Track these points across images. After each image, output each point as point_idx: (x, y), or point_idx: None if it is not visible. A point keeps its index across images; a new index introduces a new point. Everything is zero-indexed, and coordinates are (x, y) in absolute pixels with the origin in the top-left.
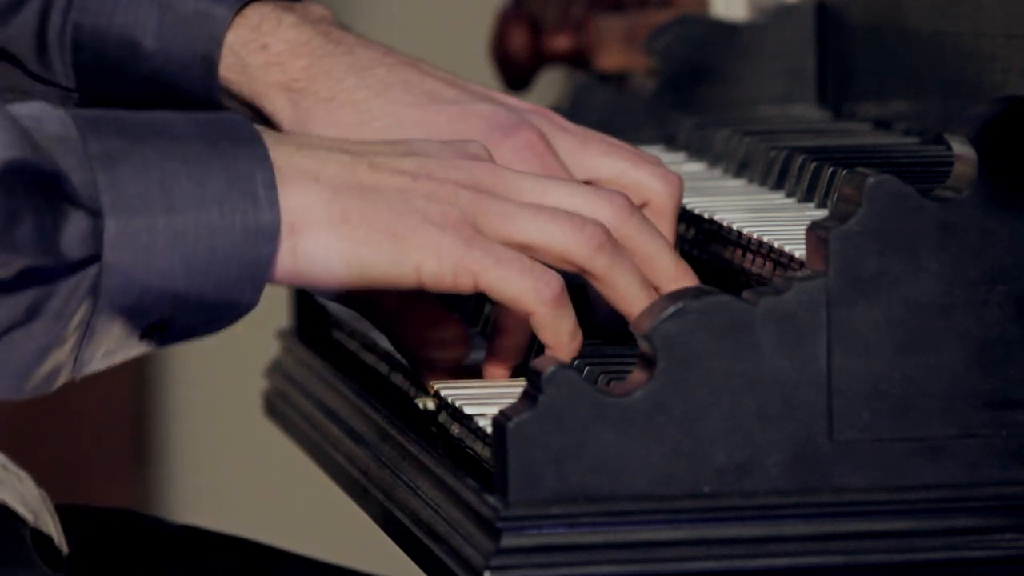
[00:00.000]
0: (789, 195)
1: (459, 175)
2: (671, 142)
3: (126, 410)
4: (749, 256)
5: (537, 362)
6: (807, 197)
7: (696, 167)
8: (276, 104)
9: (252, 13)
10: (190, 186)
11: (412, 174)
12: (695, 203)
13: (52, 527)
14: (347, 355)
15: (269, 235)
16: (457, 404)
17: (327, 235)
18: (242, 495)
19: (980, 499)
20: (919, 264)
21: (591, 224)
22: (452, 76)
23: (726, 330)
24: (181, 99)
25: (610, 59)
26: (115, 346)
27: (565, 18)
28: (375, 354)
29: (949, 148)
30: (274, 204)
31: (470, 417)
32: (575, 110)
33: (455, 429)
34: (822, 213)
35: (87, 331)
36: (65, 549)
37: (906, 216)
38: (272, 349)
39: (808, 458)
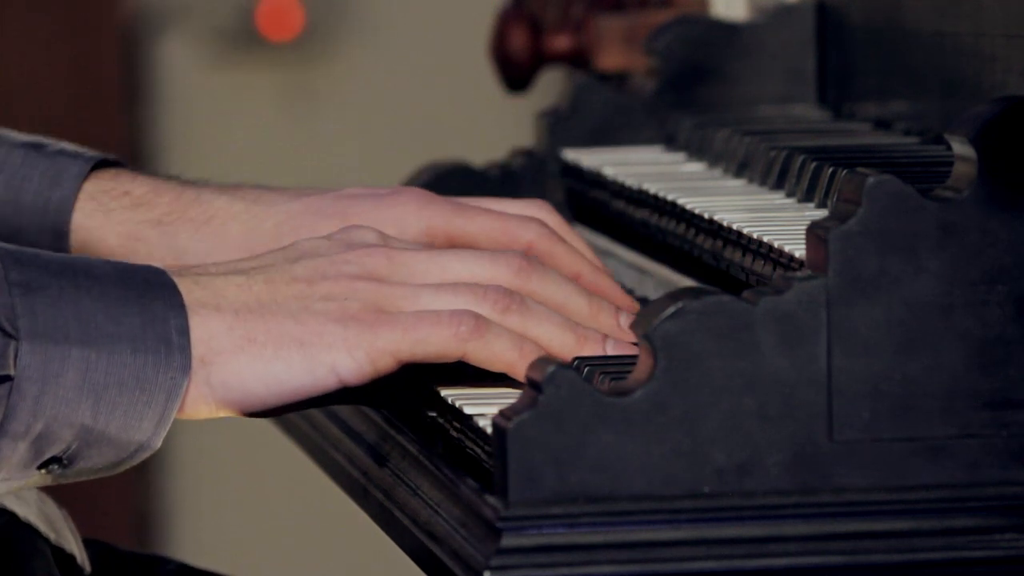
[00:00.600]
0: (789, 195)
1: (353, 269)
2: (671, 142)
3: None
4: (749, 256)
5: (537, 363)
6: (807, 197)
7: (696, 167)
8: (151, 242)
9: (106, 170)
10: (105, 322)
11: (307, 279)
12: (695, 203)
13: (75, 546)
14: None
15: (178, 379)
16: (457, 404)
17: (236, 360)
18: (242, 495)
19: (980, 499)
20: (919, 264)
21: (492, 290)
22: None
23: (726, 330)
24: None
25: (610, 59)
26: (14, 472)
27: (565, 18)
28: None
29: (949, 148)
30: (185, 350)
31: (470, 417)
32: (575, 110)
33: (455, 429)
34: (822, 213)
35: None
36: (88, 568)
37: (906, 216)
38: None
39: (808, 458)
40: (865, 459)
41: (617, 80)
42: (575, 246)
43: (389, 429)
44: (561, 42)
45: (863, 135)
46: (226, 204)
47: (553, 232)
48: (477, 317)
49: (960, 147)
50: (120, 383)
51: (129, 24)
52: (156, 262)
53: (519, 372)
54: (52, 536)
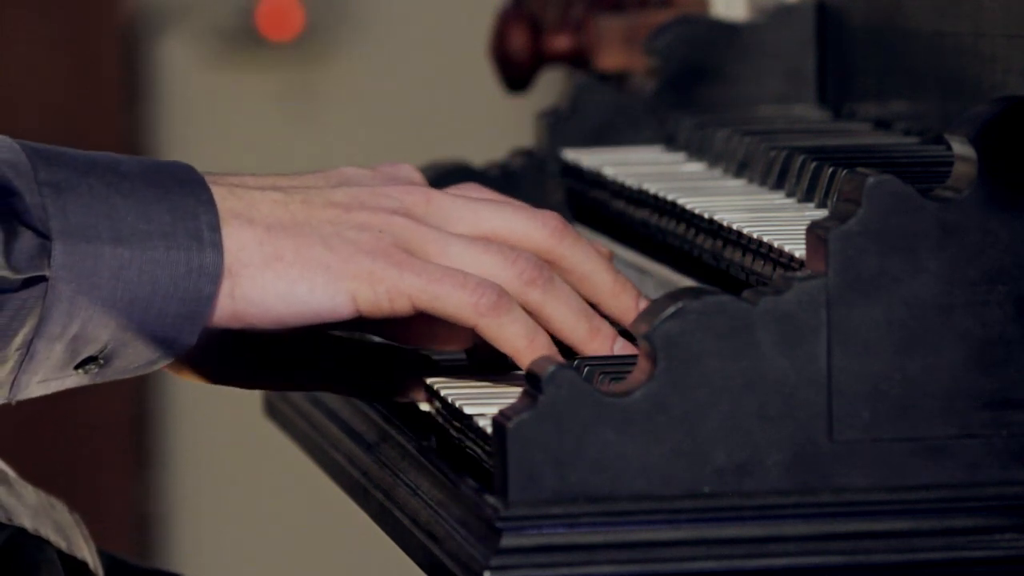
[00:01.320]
0: (789, 195)
1: (391, 203)
2: (671, 142)
3: (127, 410)
4: (749, 256)
5: (537, 362)
6: (807, 197)
7: (696, 167)
8: None
9: None
10: (136, 220)
11: (344, 206)
12: (695, 203)
13: (87, 552)
14: None
15: (211, 275)
16: (457, 404)
17: (262, 276)
18: (242, 495)
19: (980, 499)
20: (919, 264)
21: (523, 258)
22: None
23: (726, 330)
24: None
25: (610, 59)
26: (51, 373)
27: (565, 18)
28: None
29: (949, 148)
30: (217, 246)
31: (470, 417)
32: (575, 110)
33: (455, 429)
34: (822, 213)
35: (28, 352)
36: (100, 574)
37: (906, 216)
38: None
39: (808, 458)
40: (865, 459)
41: (617, 80)
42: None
43: (389, 429)
44: (561, 42)
45: (863, 135)
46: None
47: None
48: (501, 295)
49: (960, 147)
50: (153, 281)
51: (129, 24)
52: None
53: (524, 360)
54: (64, 545)
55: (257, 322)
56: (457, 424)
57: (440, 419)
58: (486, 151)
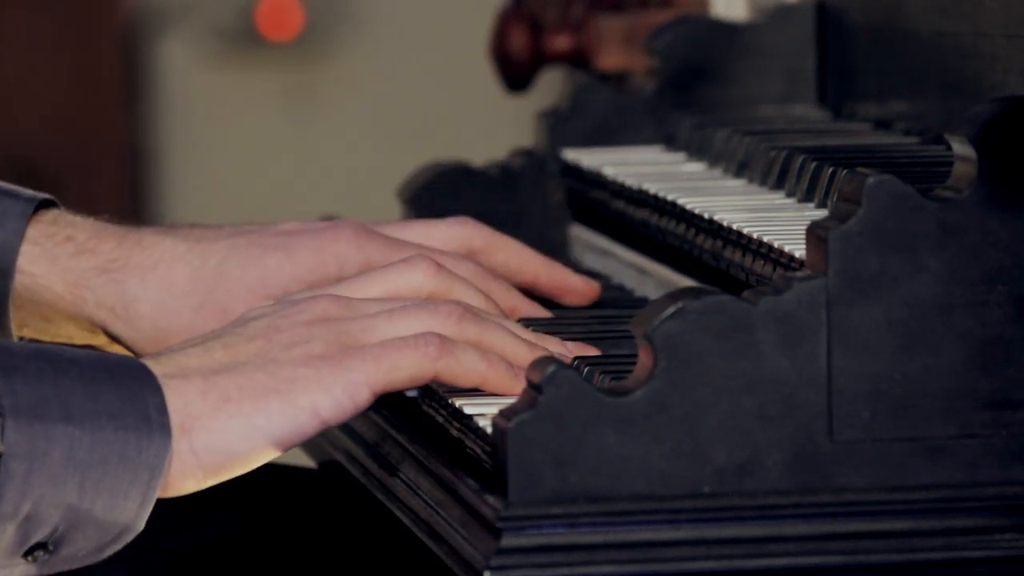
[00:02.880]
0: (789, 195)
1: (305, 316)
2: (671, 142)
3: None
4: (749, 256)
5: (537, 362)
6: (807, 197)
7: (696, 167)
8: (97, 290)
9: (45, 212)
10: (84, 400)
11: (263, 336)
12: (695, 203)
13: None
14: None
15: (159, 456)
16: (457, 404)
17: (216, 421)
18: None
19: (980, 499)
20: (919, 264)
21: (443, 303)
22: None
23: (726, 330)
24: None
25: (610, 59)
26: (1, 559)
27: (565, 18)
28: None
29: (949, 148)
30: (165, 428)
31: (470, 417)
32: (575, 110)
33: (455, 429)
34: (822, 213)
35: None
36: None
37: (906, 216)
38: None
39: (808, 458)
40: (865, 459)
41: (617, 80)
42: (514, 250)
43: (389, 429)
44: (561, 42)
45: (863, 135)
46: (170, 246)
47: (481, 269)
48: (441, 336)
49: (960, 147)
50: (104, 460)
51: (129, 24)
52: (105, 310)
53: (491, 383)
54: None
55: (225, 470)
56: (457, 424)
57: (440, 419)
58: (486, 151)
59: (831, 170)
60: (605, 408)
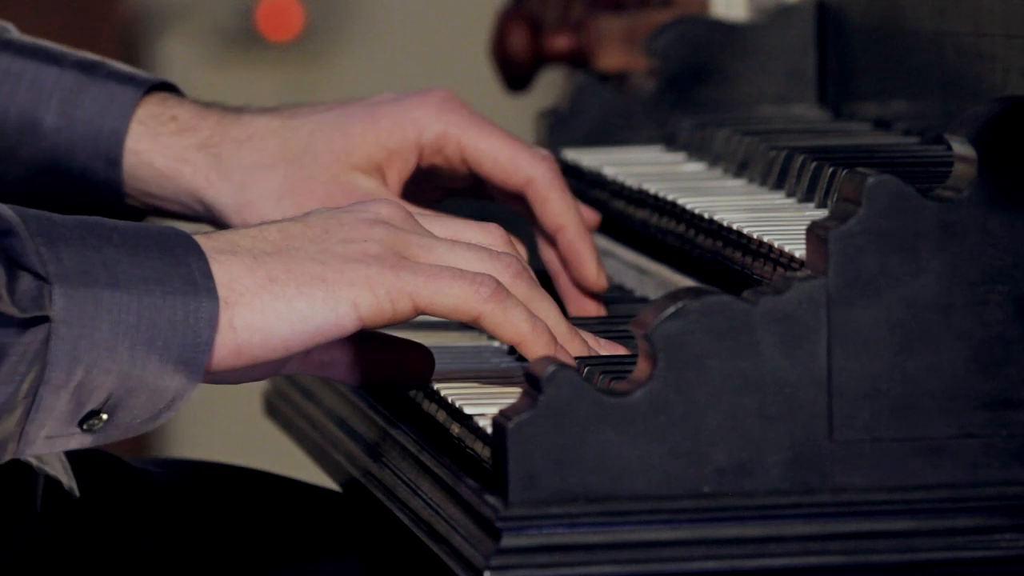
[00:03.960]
0: (789, 195)
1: (368, 216)
2: (671, 142)
3: None
4: (749, 256)
5: (537, 362)
6: (807, 197)
7: (696, 167)
8: (196, 164)
9: (155, 94)
10: (130, 267)
11: (323, 227)
12: (695, 203)
13: (61, 472)
14: None
15: (208, 320)
16: (457, 404)
17: (259, 300)
18: None
19: (980, 499)
20: (919, 264)
21: (505, 254)
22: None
23: (726, 330)
24: (77, 181)
25: (610, 59)
26: (57, 428)
27: (565, 18)
28: None
29: (949, 148)
30: (212, 292)
31: (470, 417)
32: (575, 110)
33: (455, 429)
34: (822, 213)
35: (34, 401)
36: (76, 493)
37: (906, 216)
38: None
39: (808, 458)
40: (865, 459)
41: (617, 80)
42: (571, 203)
43: (389, 428)
44: (561, 42)
45: (863, 135)
46: (265, 122)
47: (556, 178)
48: (498, 283)
49: (960, 147)
50: (153, 325)
51: (129, 24)
52: (201, 179)
53: (528, 345)
54: (34, 462)
55: (261, 352)
56: (457, 424)
57: (440, 419)
58: None
59: (831, 170)
60: (605, 408)
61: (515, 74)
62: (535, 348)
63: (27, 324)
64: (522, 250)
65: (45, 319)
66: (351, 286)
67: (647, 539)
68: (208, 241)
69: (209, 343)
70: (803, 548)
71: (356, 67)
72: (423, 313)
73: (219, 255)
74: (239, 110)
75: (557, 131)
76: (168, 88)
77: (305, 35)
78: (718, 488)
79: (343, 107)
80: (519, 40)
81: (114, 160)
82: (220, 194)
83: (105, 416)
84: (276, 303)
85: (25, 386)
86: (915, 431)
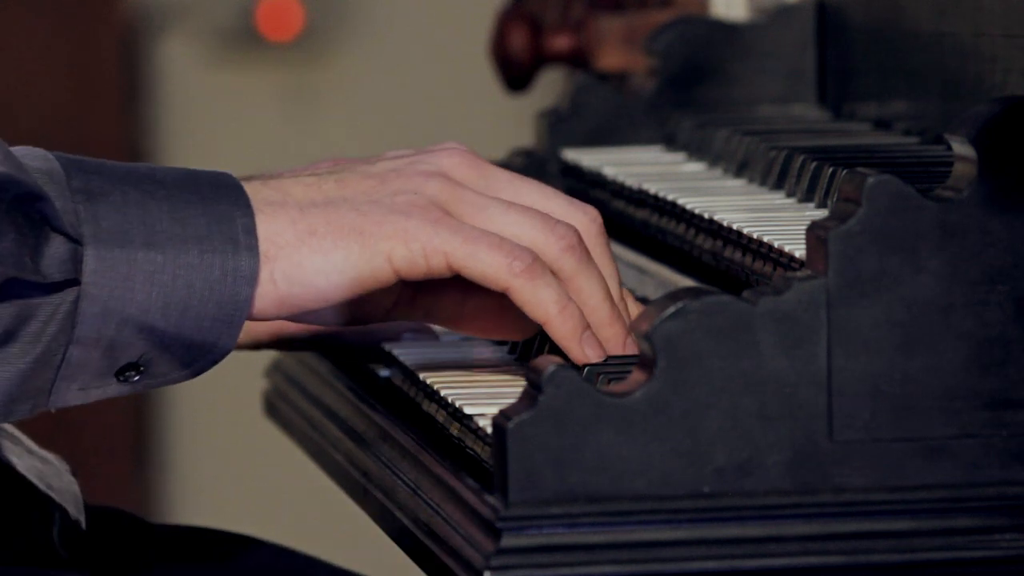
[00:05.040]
0: (789, 195)
1: (428, 167)
2: (671, 142)
3: (126, 410)
4: (749, 256)
5: (537, 362)
6: (807, 197)
7: (696, 167)
8: None
9: None
10: (170, 225)
11: (379, 177)
12: (695, 203)
13: (70, 503)
14: (347, 355)
15: (247, 278)
16: (457, 404)
17: (298, 253)
18: (242, 495)
19: (980, 499)
20: (919, 264)
21: (562, 225)
22: None
23: (726, 330)
24: None
25: (610, 59)
26: (91, 381)
27: (565, 18)
28: (375, 354)
29: (949, 148)
30: (253, 249)
31: (470, 417)
32: (575, 110)
33: (455, 429)
34: (822, 213)
35: (63, 359)
36: (83, 526)
37: (906, 216)
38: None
39: (808, 458)
40: (865, 459)
41: (617, 80)
42: (606, 269)
43: (389, 429)
44: (561, 42)
45: (863, 135)
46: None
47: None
48: (535, 259)
49: (960, 147)
50: (188, 284)
51: (129, 24)
52: None
53: (554, 327)
54: (41, 486)
55: (302, 303)
56: (457, 424)
57: (440, 419)
58: (486, 151)
59: (831, 170)
60: (605, 408)
61: (515, 74)
62: (560, 331)
63: (56, 288)
64: (591, 215)
65: (75, 282)
66: (388, 239)
67: (647, 539)
68: (261, 189)
69: (248, 300)
70: (803, 548)
71: (356, 67)
72: (457, 273)
73: (267, 207)
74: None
75: (557, 131)
76: None
77: (305, 35)
78: (718, 488)
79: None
80: (519, 40)
81: None
82: None
83: (142, 368)
84: (314, 256)
85: (55, 344)
86: (915, 431)
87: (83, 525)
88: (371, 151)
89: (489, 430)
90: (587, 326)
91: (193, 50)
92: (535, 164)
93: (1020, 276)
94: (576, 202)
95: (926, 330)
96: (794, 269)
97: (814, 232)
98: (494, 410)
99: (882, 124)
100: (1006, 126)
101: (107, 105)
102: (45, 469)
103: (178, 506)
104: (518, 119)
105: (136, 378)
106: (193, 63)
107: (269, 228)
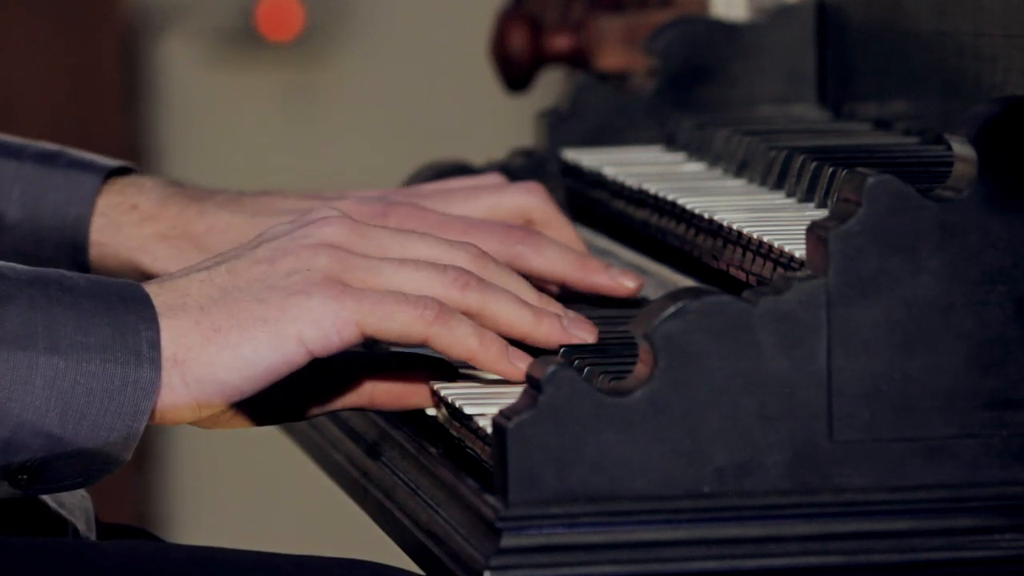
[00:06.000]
0: (789, 195)
1: (313, 240)
2: (671, 142)
3: None
4: (749, 256)
5: (537, 362)
6: (807, 197)
7: (696, 167)
8: (156, 254)
9: (116, 181)
10: (74, 332)
11: (268, 260)
12: (695, 203)
13: (80, 520)
14: None
15: (146, 390)
16: (457, 404)
17: (206, 352)
18: (242, 496)
19: (980, 499)
20: (919, 264)
21: (452, 268)
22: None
23: (726, 330)
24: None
25: (610, 59)
26: None
27: (565, 18)
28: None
29: (949, 148)
30: (156, 362)
31: (470, 417)
32: (575, 110)
33: (455, 429)
34: (822, 213)
35: None
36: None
37: (906, 216)
38: None
39: (808, 458)
40: (865, 459)
41: (617, 80)
42: (562, 234)
43: (389, 429)
44: (561, 42)
45: (863, 135)
46: (227, 217)
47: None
48: (441, 304)
49: (960, 147)
50: (88, 393)
51: (129, 24)
52: (159, 268)
53: (480, 358)
54: (52, 505)
55: (220, 400)
56: (457, 424)
57: (440, 419)
58: (486, 151)
59: (831, 170)
60: (605, 408)
61: (515, 74)
62: (487, 359)
63: None
64: (471, 252)
65: None
66: (294, 322)
67: (647, 539)
68: (160, 293)
69: (146, 412)
70: (803, 548)
71: (356, 67)
72: (371, 339)
73: (168, 311)
74: (203, 197)
75: (557, 131)
76: (127, 171)
77: (305, 35)
78: (718, 488)
79: (308, 201)
80: (519, 40)
81: (81, 247)
82: None
83: (34, 472)
84: (222, 352)
85: None
86: (915, 431)
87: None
88: (371, 150)
89: (489, 430)
90: (507, 345)
91: (193, 50)
92: (535, 164)
93: (1020, 276)
94: (454, 242)
95: (926, 330)
96: (794, 269)
97: (814, 232)
98: (494, 410)
99: (882, 124)
100: (1006, 126)
101: (107, 105)
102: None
103: (178, 506)
104: (518, 119)
105: (26, 480)
106: (193, 63)
107: (174, 331)
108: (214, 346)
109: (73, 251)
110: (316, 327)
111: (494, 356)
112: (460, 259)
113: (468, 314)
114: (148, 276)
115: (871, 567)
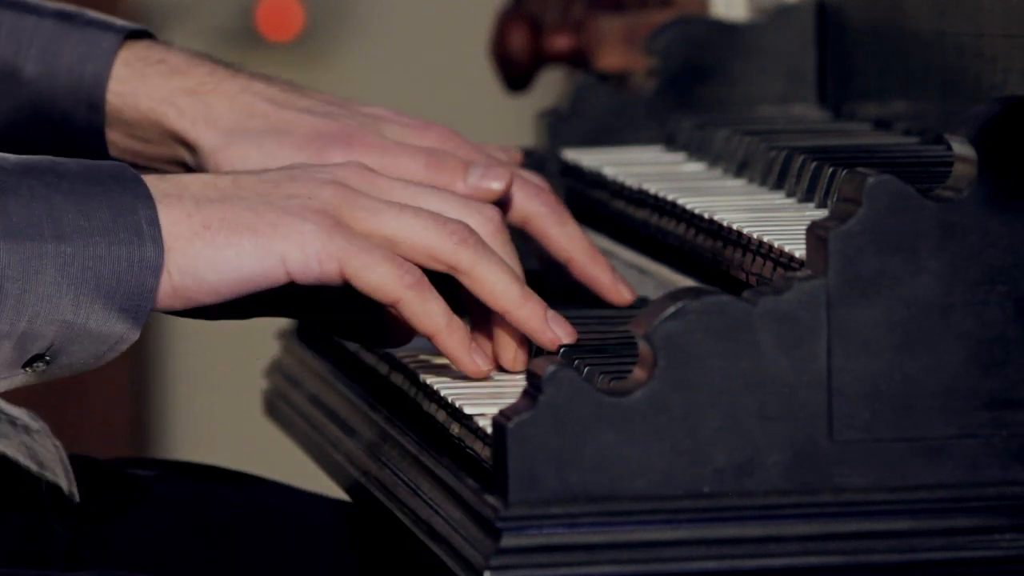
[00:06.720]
0: (789, 195)
1: (323, 175)
2: (671, 142)
3: (126, 410)
4: (749, 256)
5: (537, 362)
6: (807, 197)
7: (696, 167)
8: (183, 108)
9: (137, 42)
10: (77, 218)
11: (274, 181)
12: (695, 203)
13: (62, 477)
14: (347, 355)
15: (152, 268)
16: (457, 404)
17: (192, 246)
18: None
19: (980, 499)
20: (919, 264)
21: (454, 222)
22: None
23: (726, 330)
24: (58, 128)
25: (610, 59)
26: (1, 371)
27: (565, 18)
28: (375, 354)
29: (949, 148)
30: (157, 240)
31: (470, 417)
32: (575, 110)
33: (455, 429)
34: (822, 213)
35: None
36: (76, 498)
37: (906, 216)
38: (272, 349)
39: (808, 458)
40: (865, 459)
41: (617, 80)
42: (572, 233)
43: (389, 429)
44: (561, 42)
45: (863, 135)
46: (261, 87)
47: (552, 212)
48: (423, 277)
49: (960, 147)
50: (97, 276)
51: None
52: (185, 125)
53: (443, 339)
54: (34, 468)
55: (193, 296)
56: (457, 424)
57: (440, 419)
58: None
59: (831, 170)
60: (605, 408)
61: (515, 74)
62: (448, 343)
63: None
64: (487, 214)
65: None
66: (282, 239)
67: (647, 539)
68: (158, 183)
69: (153, 290)
70: (803, 548)
71: (356, 67)
72: (347, 282)
73: (164, 198)
74: (233, 67)
75: (557, 131)
76: (149, 35)
77: (305, 35)
78: (718, 488)
79: (333, 106)
80: (519, 40)
81: (96, 105)
82: (202, 137)
83: (48, 359)
84: (206, 250)
85: None
86: (915, 431)
87: (77, 498)
88: None
89: (489, 430)
90: (469, 341)
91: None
92: (535, 164)
93: (1020, 276)
94: (472, 202)
95: (926, 330)
96: (794, 269)
97: (814, 232)
98: (494, 410)
99: (882, 124)
100: (1006, 126)
101: None
102: (32, 442)
103: None
104: (518, 119)
105: (42, 368)
106: None
107: (167, 218)
108: (200, 241)
109: (88, 109)
110: (300, 251)
111: (455, 343)
112: (471, 220)
113: (456, 270)
114: (167, 132)
115: (871, 567)
